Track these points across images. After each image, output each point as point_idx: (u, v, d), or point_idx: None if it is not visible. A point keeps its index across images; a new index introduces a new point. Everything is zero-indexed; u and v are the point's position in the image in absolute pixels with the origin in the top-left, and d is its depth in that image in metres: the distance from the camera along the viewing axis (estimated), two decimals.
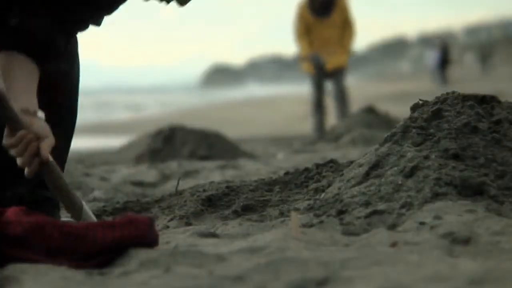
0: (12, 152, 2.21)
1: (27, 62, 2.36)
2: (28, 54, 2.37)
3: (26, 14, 2.37)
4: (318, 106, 9.58)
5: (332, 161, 2.98)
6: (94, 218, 2.30)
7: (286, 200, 2.71)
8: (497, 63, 48.96)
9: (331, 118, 9.92)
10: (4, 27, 2.37)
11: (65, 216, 2.60)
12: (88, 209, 2.33)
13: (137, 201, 2.96)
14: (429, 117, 2.47)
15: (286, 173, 2.98)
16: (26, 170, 2.22)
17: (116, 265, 1.79)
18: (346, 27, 9.51)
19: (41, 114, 2.31)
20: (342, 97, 9.54)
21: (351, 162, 2.77)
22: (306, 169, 2.95)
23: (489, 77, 34.48)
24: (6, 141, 2.21)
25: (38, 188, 2.54)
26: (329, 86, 9.74)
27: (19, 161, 2.21)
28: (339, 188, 2.44)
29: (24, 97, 2.29)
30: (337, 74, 9.53)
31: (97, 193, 3.72)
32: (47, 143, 2.22)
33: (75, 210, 2.28)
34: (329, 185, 2.60)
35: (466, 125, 2.41)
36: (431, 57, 35.91)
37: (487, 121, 2.43)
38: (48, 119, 2.34)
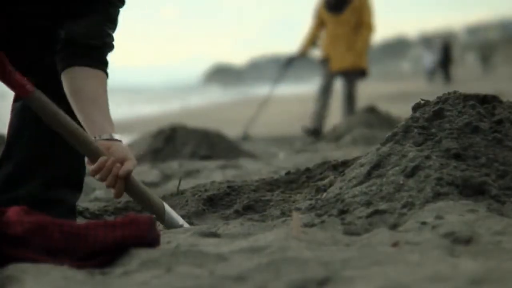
0: (96, 177, 2.32)
1: (95, 73, 2.42)
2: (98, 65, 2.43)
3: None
4: (324, 94, 9.42)
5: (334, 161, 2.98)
6: (179, 219, 2.41)
7: (288, 200, 2.71)
8: (498, 63, 48.95)
9: (334, 118, 9.85)
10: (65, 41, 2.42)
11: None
12: (171, 211, 2.42)
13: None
14: (430, 117, 2.47)
15: (287, 173, 2.98)
16: (112, 192, 2.35)
17: (117, 265, 1.79)
18: (360, 28, 9.36)
19: (118, 136, 2.39)
20: (346, 102, 9.39)
21: (353, 162, 2.77)
22: (308, 169, 2.95)
23: (490, 77, 34.47)
24: (88, 167, 2.34)
25: (52, 188, 2.53)
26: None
27: (105, 183, 2.33)
28: (341, 188, 2.44)
29: (101, 118, 2.36)
30: (346, 76, 9.35)
31: (98, 193, 3.72)
32: (128, 166, 2.32)
33: (160, 215, 2.41)
34: (330, 185, 2.60)
35: (468, 125, 2.40)
36: (427, 57, 35.96)
37: (489, 121, 2.43)
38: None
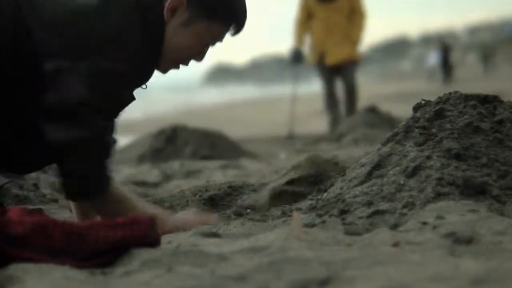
0: None
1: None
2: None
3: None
4: (330, 101, 9.10)
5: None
6: None
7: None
8: (498, 63, 48.96)
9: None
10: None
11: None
12: None
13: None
14: (431, 117, 2.47)
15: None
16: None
17: (118, 264, 1.79)
18: (354, 17, 8.92)
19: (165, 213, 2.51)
20: (348, 94, 9.04)
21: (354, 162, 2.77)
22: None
23: (491, 77, 34.47)
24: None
25: None
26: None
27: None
28: (342, 188, 2.44)
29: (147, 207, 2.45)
30: (344, 69, 8.98)
31: None
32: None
33: None
34: (331, 185, 2.60)
35: (469, 125, 2.40)
36: (430, 57, 36.14)
37: (490, 121, 2.43)
38: None
